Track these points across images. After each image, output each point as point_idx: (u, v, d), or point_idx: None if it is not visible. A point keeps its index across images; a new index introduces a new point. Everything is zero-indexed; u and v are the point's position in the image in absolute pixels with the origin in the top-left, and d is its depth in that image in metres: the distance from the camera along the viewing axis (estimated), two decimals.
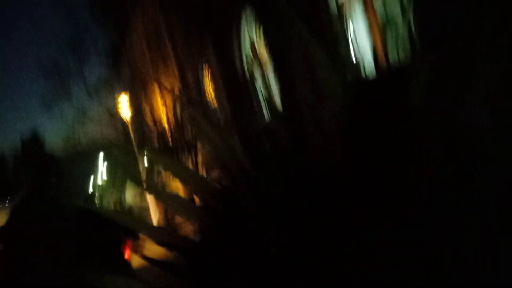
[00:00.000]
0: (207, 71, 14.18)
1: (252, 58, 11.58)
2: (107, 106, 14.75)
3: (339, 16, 7.92)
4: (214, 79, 13.69)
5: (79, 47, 12.90)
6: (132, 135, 21.36)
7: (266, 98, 11.65)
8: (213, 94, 14.29)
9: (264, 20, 10.27)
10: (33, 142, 67.87)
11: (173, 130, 13.68)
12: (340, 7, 7.92)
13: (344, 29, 7.92)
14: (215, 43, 12.88)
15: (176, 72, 14.85)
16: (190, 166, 13.23)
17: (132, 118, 20.60)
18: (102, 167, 53.12)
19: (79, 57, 13.05)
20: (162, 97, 15.15)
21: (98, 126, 14.16)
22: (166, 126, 14.79)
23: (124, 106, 18.86)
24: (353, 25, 7.81)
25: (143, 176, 18.35)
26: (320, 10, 7.98)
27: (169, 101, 14.85)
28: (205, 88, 14.63)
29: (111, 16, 29.11)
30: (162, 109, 14.64)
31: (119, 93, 16.75)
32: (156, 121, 14.19)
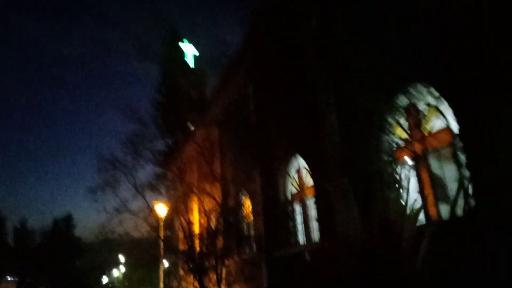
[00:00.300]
0: (248, 191, 14.48)
1: (298, 188, 11.82)
2: (147, 204, 15.00)
3: (393, 161, 8.08)
4: (254, 199, 13.88)
5: (135, 147, 13.67)
6: (161, 237, 21.33)
7: (304, 226, 11.55)
8: (250, 210, 14.37)
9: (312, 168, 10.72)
10: (65, 223, 69.15)
11: (204, 239, 13.62)
12: (393, 153, 8.12)
13: (397, 173, 8.02)
14: (262, 170, 13.39)
15: (219, 186, 15.28)
16: (214, 276, 12.81)
17: (166, 222, 20.83)
18: (123, 260, 52.42)
19: (135, 155, 13.74)
20: (200, 207, 15.38)
21: (133, 220, 14.31)
22: (198, 234, 14.77)
23: (161, 209, 19.30)
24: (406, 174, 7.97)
25: (161, 276, 17.88)
26: (372, 152, 8.25)
27: (206, 211, 15.08)
28: (244, 203, 14.81)
29: (171, 125, 31.45)
30: (198, 218, 14.83)
31: (160, 197, 17.47)
32: (189, 229, 14.26)
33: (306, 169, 11.39)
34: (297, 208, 12.01)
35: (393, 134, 8.19)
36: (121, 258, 53.23)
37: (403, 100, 8.09)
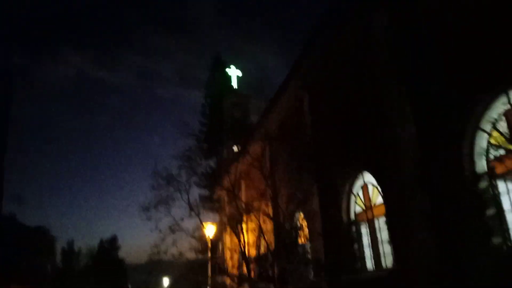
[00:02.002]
0: (304, 210, 13.53)
1: (365, 207, 10.77)
2: (200, 222, 14.45)
3: (488, 178, 7.02)
4: (311, 219, 12.91)
5: (189, 160, 13.26)
6: (209, 258, 20.64)
7: (372, 249, 10.44)
8: (306, 231, 13.38)
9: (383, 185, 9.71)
10: (110, 244, 70.12)
11: (259, 262, 12.80)
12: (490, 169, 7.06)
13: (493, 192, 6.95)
14: (321, 188, 12.44)
15: (271, 206, 14.48)
16: None
17: (213, 243, 20.16)
18: (166, 283, 52.17)
19: (189, 169, 13.30)
20: (250, 227, 14.60)
21: (184, 240, 13.75)
22: (250, 256, 13.93)
23: (210, 229, 18.74)
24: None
25: None
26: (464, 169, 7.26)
27: (260, 232, 14.31)
28: (300, 224, 13.83)
29: (215, 146, 31.23)
30: (247, 240, 13.96)
31: (207, 218, 17.01)
32: (244, 250, 13.48)
33: (374, 185, 10.37)
34: (363, 229, 10.93)
35: (489, 143, 7.12)
36: (165, 281, 52.85)
37: (499, 104, 7.03)
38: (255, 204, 13.28)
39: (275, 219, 13.59)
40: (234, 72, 31.93)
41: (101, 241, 69.35)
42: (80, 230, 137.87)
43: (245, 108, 28.53)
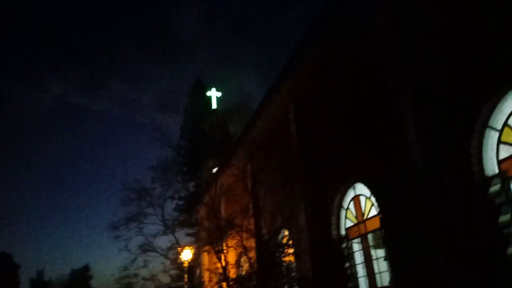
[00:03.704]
0: (289, 226, 12.59)
1: (356, 220, 9.96)
2: (176, 241, 13.32)
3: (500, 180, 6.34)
4: (297, 236, 11.99)
5: (165, 172, 12.27)
6: (185, 282, 19.29)
7: (365, 267, 9.57)
8: (291, 250, 12.40)
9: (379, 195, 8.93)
10: (82, 274, 66.79)
11: (236, 282, 11.67)
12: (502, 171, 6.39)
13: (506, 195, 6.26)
14: (308, 203, 11.60)
15: (253, 223, 13.52)
16: None
17: (190, 266, 18.94)
18: None
19: (164, 181, 12.27)
20: (228, 249, 13.56)
21: (159, 261, 12.59)
22: (228, 277, 12.80)
23: (187, 254, 17.60)
24: None
25: None
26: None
27: (234, 255, 13.29)
28: (284, 241, 12.84)
29: (194, 168, 30.13)
30: (228, 260, 12.86)
31: (185, 240, 16.01)
32: (220, 271, 12.37)
33: (367, 197, 9.58)
34: (355, 246, 10.06)
35: (500, 141, 6.46)
36: None
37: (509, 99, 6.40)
38: (237, 220, 12.25)
39: (258, 235, 12.59)
40: (214, 94, 31.32)
41: (73, 271, 66.12)
42: (48, 259, 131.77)
43: (225, 128, 27.84)
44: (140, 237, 12.17)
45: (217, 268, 13.48)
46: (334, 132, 10.74)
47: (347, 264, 10.09)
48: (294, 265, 12.10)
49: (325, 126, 11.32)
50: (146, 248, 12.01)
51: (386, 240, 8.55)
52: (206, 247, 13.73)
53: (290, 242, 12.43)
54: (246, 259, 12.14)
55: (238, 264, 14.36)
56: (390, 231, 8.43)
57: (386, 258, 8.53)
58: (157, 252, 12.34)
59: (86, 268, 67.95)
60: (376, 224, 9.09)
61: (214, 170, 20.52)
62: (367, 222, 9.52)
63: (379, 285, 9.03)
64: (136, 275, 12.12)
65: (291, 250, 12.12)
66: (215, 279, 12.79)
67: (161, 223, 12.23)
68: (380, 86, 8.69)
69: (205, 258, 19.87)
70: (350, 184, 10.16)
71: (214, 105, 30.95)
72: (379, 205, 8.82)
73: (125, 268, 12.10)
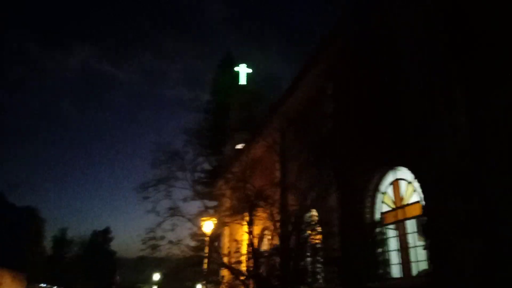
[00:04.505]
0: (318, 207, 12.19)
1: (395, 206, 9.45)
2: (200, 212, 13.15)
3: None
4: (326, 218, 11.59)
5: (197, 134, 12.10)
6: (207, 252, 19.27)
7: (401, 254, 9.13)
8: (318, 229, 12.03)
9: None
10: (103, 235, 68.65)
11: (250, 262, 11.45)
12: None
13: None
14: (340, 183, 11.13)
15: (278, 201, 13.19)
16: None
17: (211, 239, 18.85)
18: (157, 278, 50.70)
19: (197, 145, 12.10)
20: (252, 225, 13.30)
21: (180, 228, 12.43)
22: (245, 255, 12.59)
23: (208, 226, 17.44)
24: None
25: None
26: None
27: (259, 229, 13.01)
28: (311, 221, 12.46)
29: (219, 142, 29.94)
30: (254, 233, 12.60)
31: (208, 213, 15.81)
32: (248, 242, 12.15)
33: (408, 182, 9.03)
34: (390, 232, 9.60)
35: None
36: (155, 277, 51.32)
37: None
38: (268, 192, 11.94)
39: (285, 212, 12.26)
40: (243, 70, 30.72)
41: (94, 232, 68.01)
42: (73, 219, 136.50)
43: (254, 105, 27.42)
44: (168, 201, 12.12)
45: (238, 241, 13.31)
46: (374, 113, 10.15)
47: (379, 250, 9.66)
48: (321, 245, 11.76)
49: (364, 106, 10.73)
50: (174, 212, 11.90)
51: (426, 229, 8.04)
52: (228, 219, 13.51)
53: (318, 222, 12.05)
54: (271, 234, 11.88)
55: (260, 239, 14.13)
56: (432, 220, 7.90)
57: (425, 247, 8.05)
58: (184, 217, 12.24)
59: (107, 231, 69.91)
60: (416, 211, 8.58)
61: (239, 146, 20.21)
62: (406, 208, 9.01)
63: (413, 273, 8.59)
64: (163, 237, 12.00)
65: (319, 229, 11.76)
66: (238, 251, 12.60)
67: (191, 188, 12.15)
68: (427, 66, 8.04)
69: (229, 229, 19.75)
70: (389, 167, 9.62)
71: (243, 81, 30.45)
72: (423, 192, 8.27)
73: (152, 230, 12.00)
